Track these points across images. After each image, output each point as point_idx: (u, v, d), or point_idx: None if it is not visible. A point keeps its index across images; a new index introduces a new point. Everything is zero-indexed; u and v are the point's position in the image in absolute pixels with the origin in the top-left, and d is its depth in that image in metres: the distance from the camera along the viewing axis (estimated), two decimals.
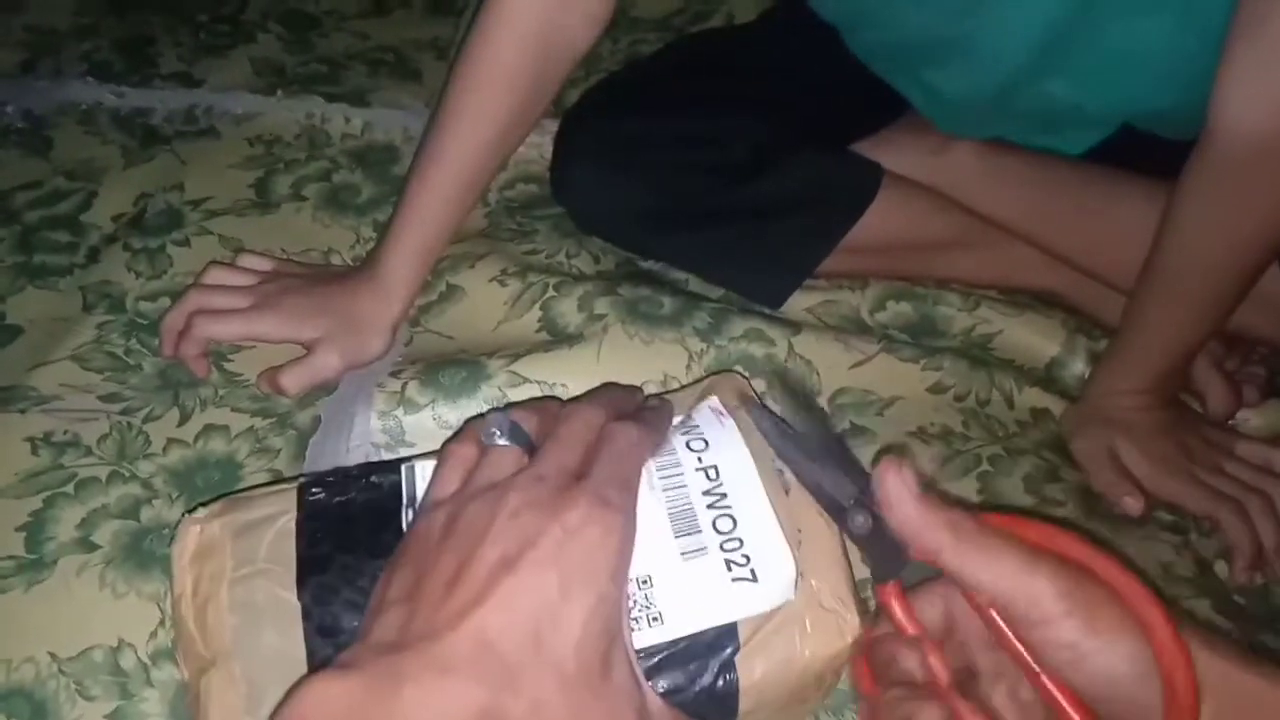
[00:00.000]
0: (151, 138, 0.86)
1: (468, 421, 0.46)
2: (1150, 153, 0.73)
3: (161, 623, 0.55)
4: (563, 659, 0.34)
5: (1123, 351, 0.68)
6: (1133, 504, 0.64)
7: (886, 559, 0.40)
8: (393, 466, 0.47)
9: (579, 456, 0.40)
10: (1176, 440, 0.67)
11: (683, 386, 0.54)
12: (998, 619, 0.37)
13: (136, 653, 0.54)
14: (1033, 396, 0.71)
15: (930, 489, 0.38)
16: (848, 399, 0.69)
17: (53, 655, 0.54)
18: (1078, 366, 0.74)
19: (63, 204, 0.80)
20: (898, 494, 0.37)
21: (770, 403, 0.65)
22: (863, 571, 0.43)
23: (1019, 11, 0.68)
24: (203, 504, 0.47)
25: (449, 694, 0.32)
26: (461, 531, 0.36)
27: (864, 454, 0.66)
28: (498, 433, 0.42)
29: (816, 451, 0.45)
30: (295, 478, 0.48)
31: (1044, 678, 0.36)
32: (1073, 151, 0.78)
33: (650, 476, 0.44)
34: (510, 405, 0.46)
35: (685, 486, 0.44)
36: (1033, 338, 0.75)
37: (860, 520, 0.41)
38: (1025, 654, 0.36)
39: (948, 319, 0.75)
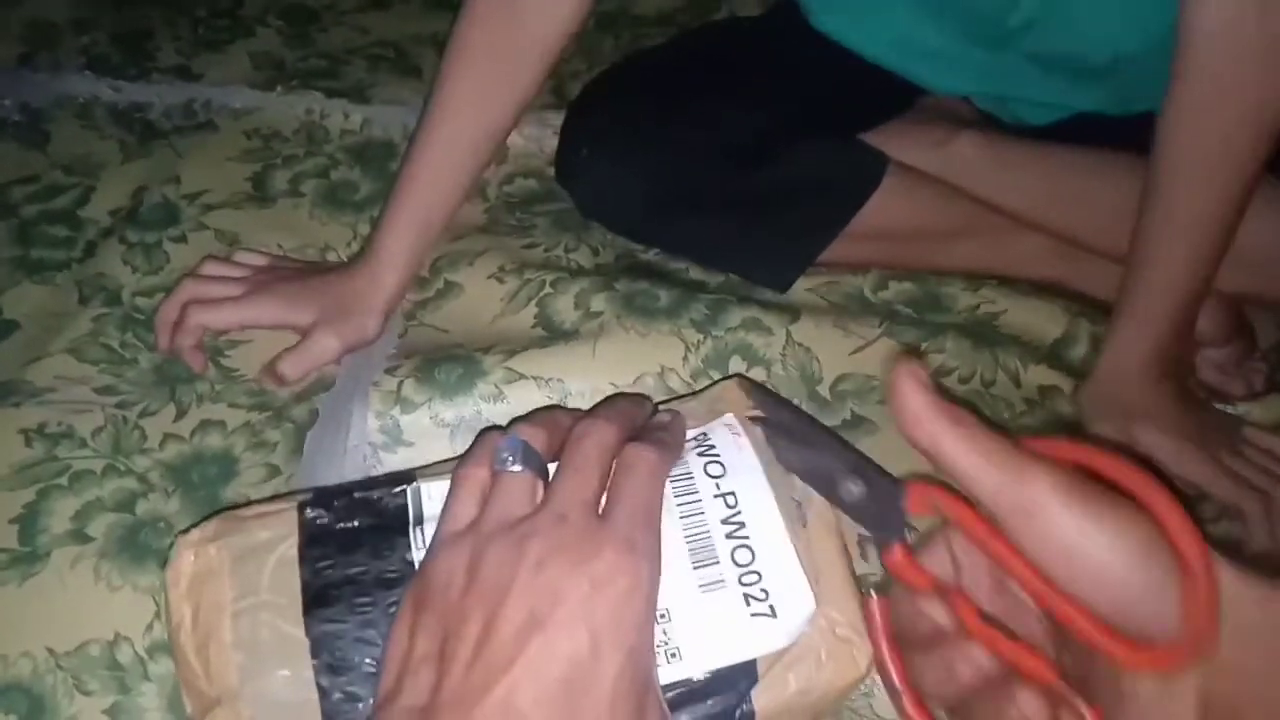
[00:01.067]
0: (149, 132, 0.86)
1: (480, 435, 0.44)
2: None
3: (157, 615, 0.55)
4: (598, 718, 0.33)
5: (1125, 318, 0.67)
6: None
7: (885, 525, 0.39)
8: (397, 487, 0.46)
9: (597, 486, 0.39)
10: (1194, 415, 0.67)
11: (694, 393, 0.52)
12: (989, 534, 0.33)
13: (134, 646, 0.54)
14: (1040, 374, 0.70)
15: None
16: (849, 385, 0.68)
17: (50, 650, 0.53)
18: (1081, 349, 0.73)
19: (60, 198, 0.80)
20: (909, 384, 0.33)
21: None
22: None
23: None
24: (196, 524, 0.45)
25: None
26: (485, 582, 0.35)
27: (865, 445, 0.65)
28: (510, 459, 0.40)
29: (804, 435, 0.45)
30: (294, 493, 0.47)
31: (1037, 579, 0.31)
32: (1077, 106, 0.79)
33: (668, 501, 0.43)
34: (516, 420, 0.44)
35: (703, 514, 0.43)
36: (1037, 318, 0.74)
37: (852, 488, 0.40)
38: (1017, 558, 0.32)
39: (951, 297, 0.75)
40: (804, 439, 0.45)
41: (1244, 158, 0.63)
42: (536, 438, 0.41)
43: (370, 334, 0.68)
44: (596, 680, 0.33)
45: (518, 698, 0.33)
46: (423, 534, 0.43)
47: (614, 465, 0.41)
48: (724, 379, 0.53)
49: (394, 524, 0.44)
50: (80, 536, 0.57)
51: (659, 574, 0.37)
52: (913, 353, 0.69)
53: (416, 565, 0.42)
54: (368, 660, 0.41)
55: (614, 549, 0.35)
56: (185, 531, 0.45)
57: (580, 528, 0.36)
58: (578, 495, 0.38)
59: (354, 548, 0.43)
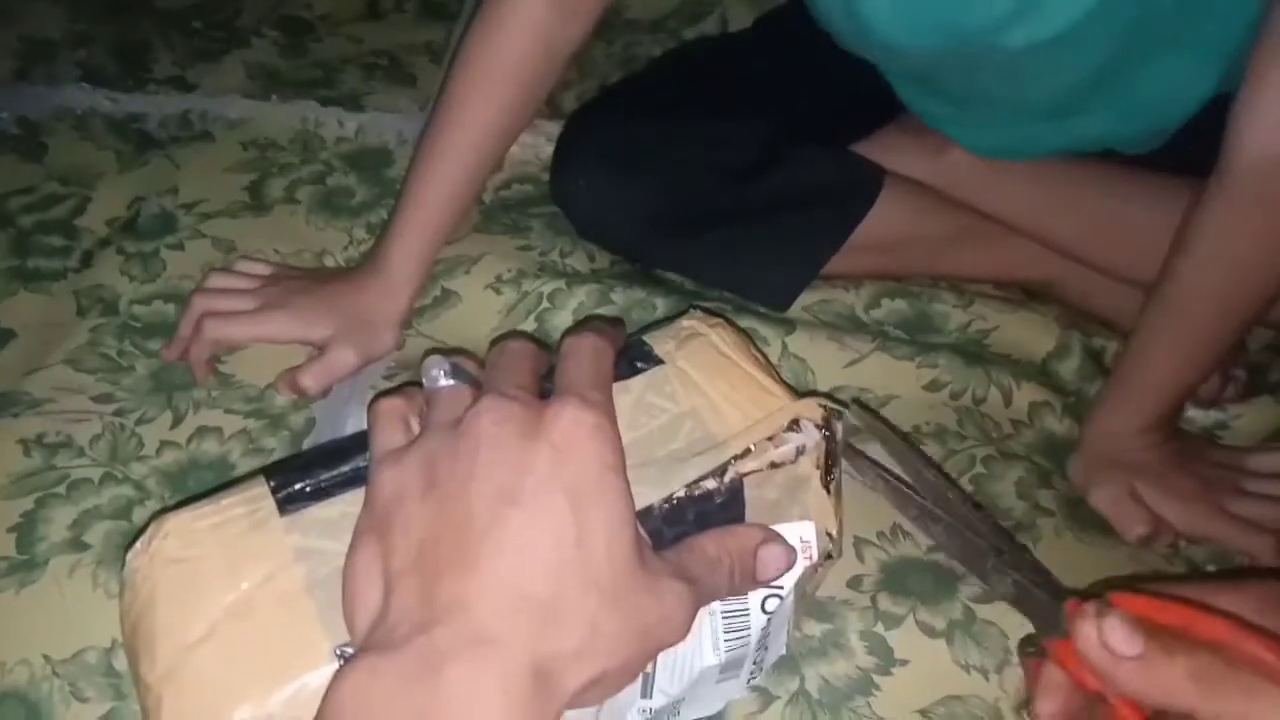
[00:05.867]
0: (146, 142, 0.87)
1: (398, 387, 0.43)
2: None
3: None
4: (598, 576, 0.32)
5: (1126, 389, 0.66)
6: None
7: (1041, 615, 0.39)
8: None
9: (529, 376, 0.39)
10: (1194, 473, 0.65)
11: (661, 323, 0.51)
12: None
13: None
14: (1030, 392, 0.70)
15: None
16: (843, 398, 0.68)
17: (46, 657, 0.53)
18: (1074, 362, 0.73)
19: (57, 208, 0.80)
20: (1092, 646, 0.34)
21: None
22: None
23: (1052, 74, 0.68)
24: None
25: (493, 663, 0.30)
26: (444, 478, 0.34)
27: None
28: (440, 374, 0.39)
29: (940, 502, 0.45)
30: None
31: None
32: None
33: (716, 636, 0.43)
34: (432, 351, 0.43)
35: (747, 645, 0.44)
36: (1028, 334, 0.74)
37: (1006, 584, 0.40)
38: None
39: (943, 315, 0.75)
40: (941, 509, 0.45)
41: (1274, 279, 0.60)
42: (466, 361, 0.41)
43: (386, 347, 0.69)
44: (588, 540, 0.33)
45: (511, 578, 0.32)
46: None
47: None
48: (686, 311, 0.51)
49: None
50: (78, 544, 0.58)
51: (615, 419, 0.36)
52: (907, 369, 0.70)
53: None
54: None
55: (568, 407, 0.34)
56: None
57: (526, 401, 0.35)
58: (514, 379, 0.37)
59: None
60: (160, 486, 0.61)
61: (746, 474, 0.42)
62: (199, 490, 0.61)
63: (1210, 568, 0.63)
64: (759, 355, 0.47)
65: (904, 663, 0.54)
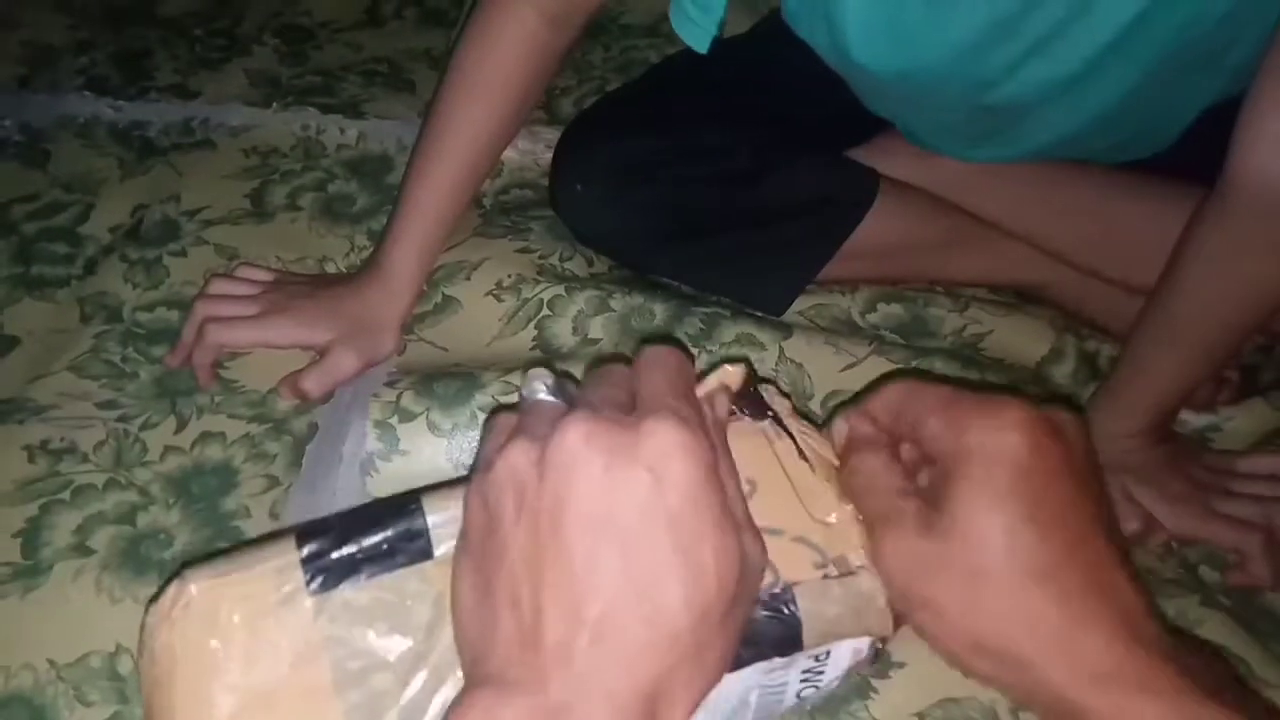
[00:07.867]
0: (148, 150, 0.87)
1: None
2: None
3: None
4: (710, 609, 0.31)
5: (1122, 394, 0.67)
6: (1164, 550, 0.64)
7: None
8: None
9: (623, 394, 0.35)
10: (1185, 475, 0.66)
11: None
12: None
13: (134, 658, 0.54)
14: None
15: None
16: (840, 402, 0.69)
17: (51, 662, 0.54)
18: (1068, 366, 0.74)
19: (60, 216, 0.81)
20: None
21: None
22: None
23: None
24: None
25: (611, 708, 0.30)
26: (534, 498, 0.32)
27: None
28: (542, 386, 0.37)
29: None
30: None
31: None
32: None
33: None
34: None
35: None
36: (1022, 338, 0.75)
37: None
38: None
39: (938, 319, 0.76)
40: None
41: (1272, 301, 0.60)
42: (568, 383, 0.38)
43: (387, 351, 0.70)
44: (697, 577, 0.31)
45: (625, 624, 0.30)
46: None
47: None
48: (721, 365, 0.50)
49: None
50: (82, 550, 0.58)
51: (710, 442, 0.33)
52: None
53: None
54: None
55: (661, 426, 0.32)
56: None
57: (616, 417, 0.33)
58: (604, 396, 0.35)
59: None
60: (164, 492, 0.62)
61: (795, 584, 0.39)
62: (203, 495, 0.62)
63: (1203, 567, 0.64)
64: None
65: (900, 666, 0.55)
